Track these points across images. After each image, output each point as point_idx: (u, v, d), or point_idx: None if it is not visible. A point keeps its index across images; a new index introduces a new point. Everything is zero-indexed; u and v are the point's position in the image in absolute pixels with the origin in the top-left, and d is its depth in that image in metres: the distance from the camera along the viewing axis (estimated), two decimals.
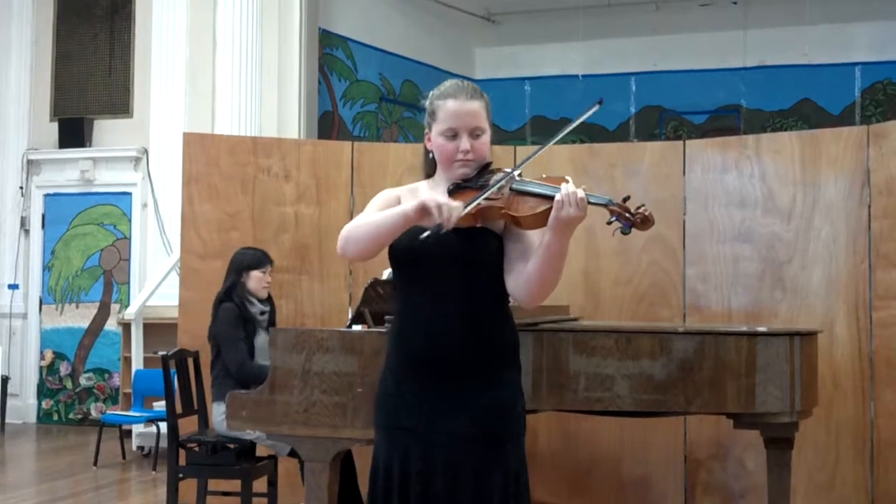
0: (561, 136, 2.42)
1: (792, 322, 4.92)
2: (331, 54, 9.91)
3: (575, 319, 4.44)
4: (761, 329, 3.60)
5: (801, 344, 3.52)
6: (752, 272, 5.14)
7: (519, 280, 2.35)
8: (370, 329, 3.68)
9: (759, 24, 10.78)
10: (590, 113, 2.41)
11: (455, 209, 2.23)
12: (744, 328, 3.69)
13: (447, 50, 11.35)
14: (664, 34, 11.06)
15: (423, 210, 2.24)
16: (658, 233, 5.26)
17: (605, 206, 2.27)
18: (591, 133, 11.05)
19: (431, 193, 2.46)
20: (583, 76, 11.21)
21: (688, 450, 5.21)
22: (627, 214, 2.23)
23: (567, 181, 2.30)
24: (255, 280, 4.76)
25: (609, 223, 2.25)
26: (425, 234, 2.26)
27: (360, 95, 10.35)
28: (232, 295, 4.69)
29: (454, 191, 2.42)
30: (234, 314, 4.63)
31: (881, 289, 4.81)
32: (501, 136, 10.93)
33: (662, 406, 3.51)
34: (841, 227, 4.96)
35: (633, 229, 2.24)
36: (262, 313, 4.76)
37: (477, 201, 2.32)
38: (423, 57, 10.99)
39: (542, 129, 11.34)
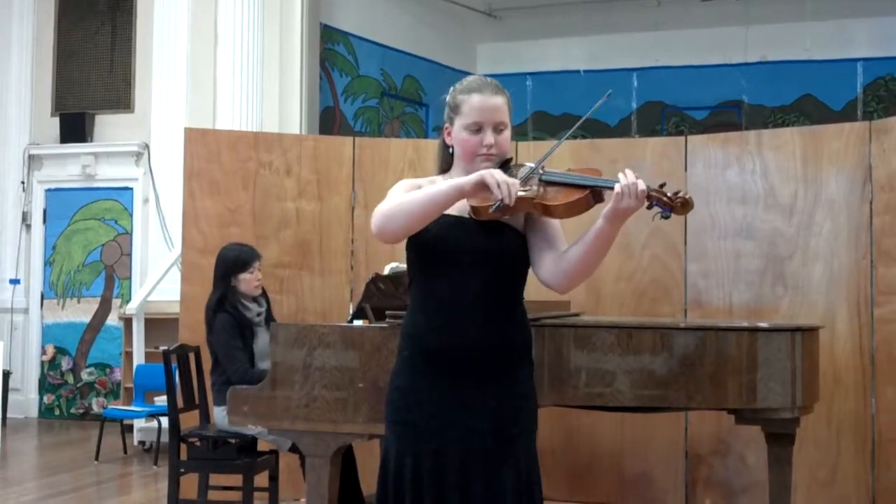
0: (578, 124, 2.46)
1: (793, 318, 4.92)
2: (332, 49, 9.90)
3: (576, 315, 4.44)
4: (763, 325, 3.60)
5: (802, 339, 3.52)
6: (754, 268, 5.14)
7: (559, 266, 2.36)
8: (371, 324, 3.68)
9: (761, 20, 10.77)
10: (601, 102, 2.44)
11: (514, 185, 2.23)
12: (745, 324, 3.69)
13: (449, 45, 11.33)
14: (666, 30, 11.05)
15: (482, 185, 2.23)
16: (659, 228, 5.26)
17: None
18: (592, 129, 11.05)
19: None
20: (584, 72, 11.20)
21: (689, 445, 5.21)
22: (666, 199, 2.24)
23: (600, 172, 2.33)
24: (245, 282, 4.61)
25: (649, 208, 2.26)
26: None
27: (361, 91, 10.35)
28: (224, 304, 4.53)
29: None
30: (230, 324, 4.49)
31: (882, 284, 4.81)
32: (511, 131, 10.89)
33: (663, 401, 3.51)
34: (842, 222, 4.96)
35: (673, 214, 2.25)
36: (259, 314, 4.64)
37: (528, 177, 2.34)
38: (424, 52, 10.98)
39: (544, 125, 11.33)
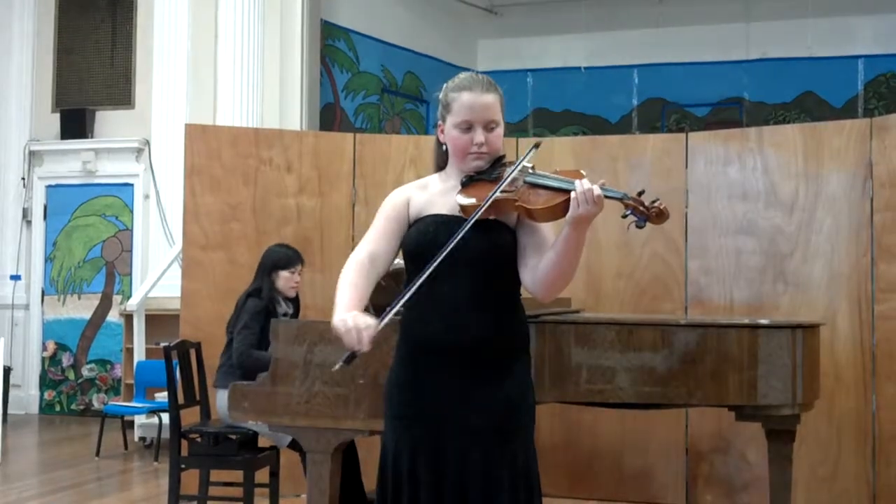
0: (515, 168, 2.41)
1: (794, 315, 4.92)
2: (333, 46, 9.89)
3: (577, 312, 4.43)
4: (763, 321, 3.60)
5: (803, 336, 3.52)
6: (755, 265, 5.14)
7: (536, 273, 2.35)
8: None
9: (762, 17, 10.76)
10: (528, 155, 2.41)
11: (367, 329, 2.23)
12: (746, 321, 3.69)
13: (449, 42, 11.32)
14: (667, 26, 11.03)
15: (337, 332, 2.26)
16: (660, 226, 5.25)
17: (620, 200, 2.29)
18: (593, 125, 11.05)
19: (443, 185, 2.49)
20: (585, 68, 11.19)
21: (689, 442, 5.21)
22: (642, 208, 2.25)
23: (583, 175, 2.31)
24: (284, 280, 4.70)
25: (624, 217, 2.27)
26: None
27: (361, 87, 10.34)
28: (261, 293, 4.65)
29: (467, 183, 2.43)
30: (259, 307, 4.58)
31: (883, 282, 4.81)
32: (503, 128, 10.89)
33: (664, 398, 3.51)
34: (843, 219, 4.96)
35: (648, 223, 2.25)
36: (285, 314, 4.70)
37: (514, 177, 2.32)
38: (425, 49, 10.97)
39: (544, 122, 11.32)
